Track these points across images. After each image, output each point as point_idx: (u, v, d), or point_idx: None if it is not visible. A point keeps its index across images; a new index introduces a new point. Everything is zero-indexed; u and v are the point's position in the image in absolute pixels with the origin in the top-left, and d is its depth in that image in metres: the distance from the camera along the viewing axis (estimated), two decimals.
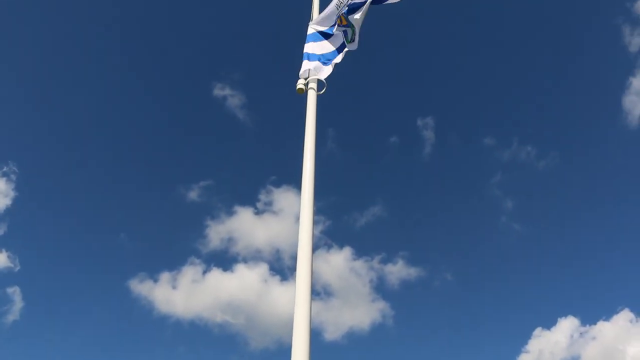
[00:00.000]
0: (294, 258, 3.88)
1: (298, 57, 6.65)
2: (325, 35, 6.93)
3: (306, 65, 6.50)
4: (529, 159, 26.20)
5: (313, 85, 6.30)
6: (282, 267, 24.91)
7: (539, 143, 26.44)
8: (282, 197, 26.32)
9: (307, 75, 6.42)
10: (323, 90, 6.37)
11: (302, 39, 6.86)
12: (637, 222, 24.18)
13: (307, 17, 7.33)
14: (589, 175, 26.16)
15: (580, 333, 23.00)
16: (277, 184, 26.85)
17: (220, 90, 27.42)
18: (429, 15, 27.55)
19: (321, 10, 7.24)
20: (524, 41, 27.80)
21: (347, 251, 25.56)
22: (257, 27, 28.81)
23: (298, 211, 4.46)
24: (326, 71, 6.50)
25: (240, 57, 28.84)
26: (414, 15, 28.13)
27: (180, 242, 27.02)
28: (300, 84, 6.33)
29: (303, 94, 6.30)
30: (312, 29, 7.08)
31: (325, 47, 6.81)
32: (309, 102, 6.25)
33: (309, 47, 6.75)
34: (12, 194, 23.92)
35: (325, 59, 6.63)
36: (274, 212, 26.55)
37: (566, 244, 25.23)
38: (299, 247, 3.95)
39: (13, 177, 24.34)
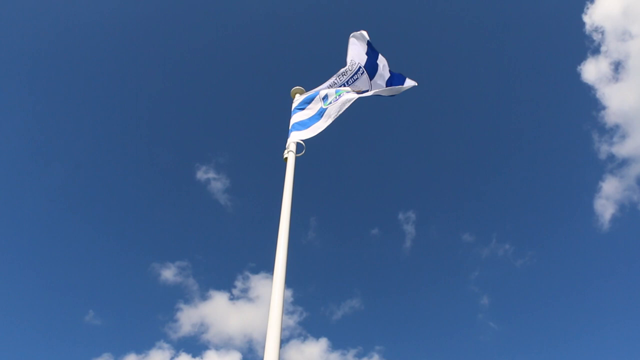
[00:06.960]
0: None
1: (284, 144, 6.62)
2: (308, 102, 7.08)
3: (292, 136, 6.64)
4: (506, 257, 26.23)
5: (292, 147, 6.44)
6: (255, 357, 23.90)
7: (516, 242, 26.58)
8: (259, 284, 25.13)
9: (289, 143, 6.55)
10: (302, 153, 6.45)
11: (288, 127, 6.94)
12: (612, 320, 24.52)
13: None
14: (564, 275, 26.65)
15: None
16: (255, 271, 25.62)
17: (203, 174, 26.58)
18: (415, 111, 28.41)
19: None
20: (503, 146, 28.65)
21: (323, 343, 24.17)
22: (246, 112, 28.74)
23: None
24: (304, 134, 6.59)
25: (228, 141, 28.49)
26: (401, 110, 29.17)
27: (150, 324, 25.41)
28: (285, 153, 6.44)
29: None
30: (296, 101, 7.27)
31: (306, 114, 6.94)
32: (288, 164, 6.33)
33: (294, 119, 6.91)
34: None
35: (304, 126, 6.74)
36: (250, 299, 25.30)
37: (540, 344, 25.39)
38: (267, 333, 3.84)
39: None
